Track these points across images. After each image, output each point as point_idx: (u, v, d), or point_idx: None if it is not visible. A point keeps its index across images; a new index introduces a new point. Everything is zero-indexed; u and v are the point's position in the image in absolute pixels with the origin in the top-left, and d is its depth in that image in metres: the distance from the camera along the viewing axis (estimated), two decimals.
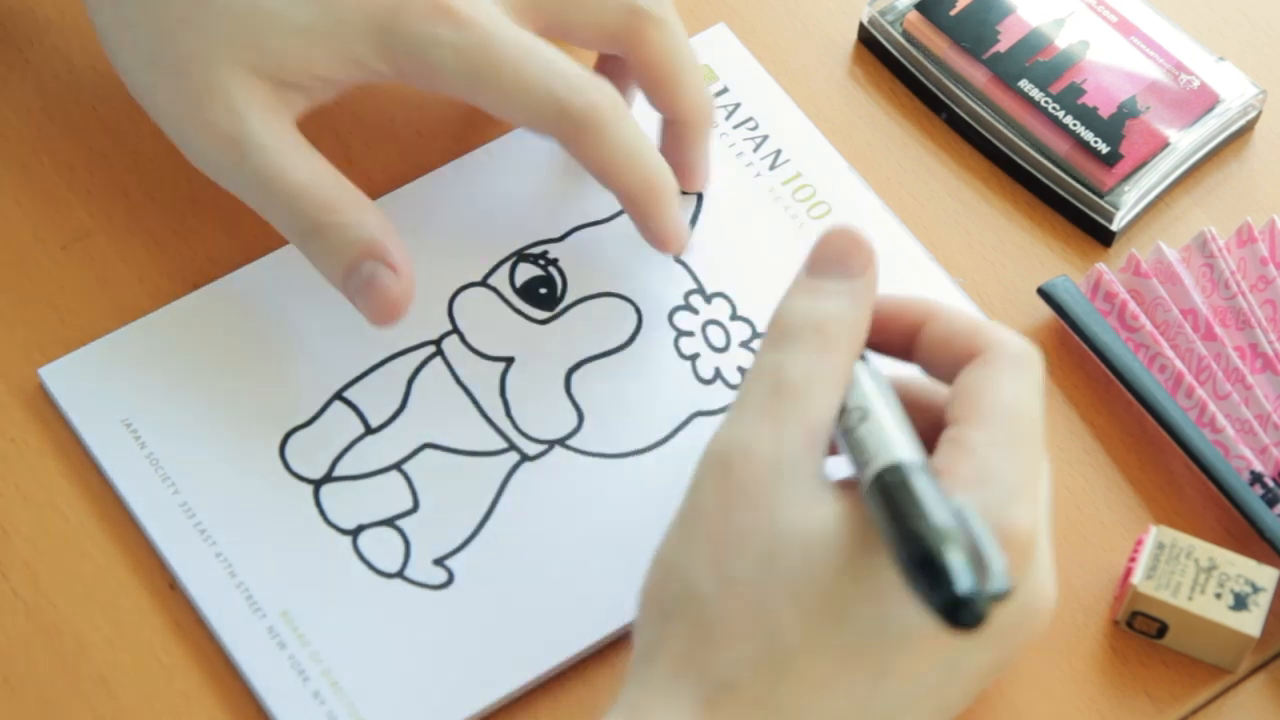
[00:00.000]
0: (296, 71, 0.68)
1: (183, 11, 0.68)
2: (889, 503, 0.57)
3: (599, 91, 0.68)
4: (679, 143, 0.73)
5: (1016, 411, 0.61)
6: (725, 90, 0.78)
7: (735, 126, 0.77)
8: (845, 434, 0.60)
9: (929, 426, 0.62)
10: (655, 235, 0.71)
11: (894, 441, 0.59)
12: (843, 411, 0.61)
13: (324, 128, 0.76)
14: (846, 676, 0.58)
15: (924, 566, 0.55)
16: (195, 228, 0.74)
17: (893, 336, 0.64)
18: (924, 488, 0.57)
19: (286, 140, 0.68)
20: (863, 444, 0.59)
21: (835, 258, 0.64)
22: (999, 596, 0.55)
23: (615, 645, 0.66)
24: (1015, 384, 0.62)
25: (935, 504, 0.57)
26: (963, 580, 0.55)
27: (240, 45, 0.67)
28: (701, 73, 0.72)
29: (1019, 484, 0.59)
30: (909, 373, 0.65)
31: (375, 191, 0.75)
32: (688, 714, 0.58)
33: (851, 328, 0.63)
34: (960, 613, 0.54)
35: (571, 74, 0.68)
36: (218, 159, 0.68)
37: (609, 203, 0.74)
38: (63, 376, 0.70)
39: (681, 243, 0.71)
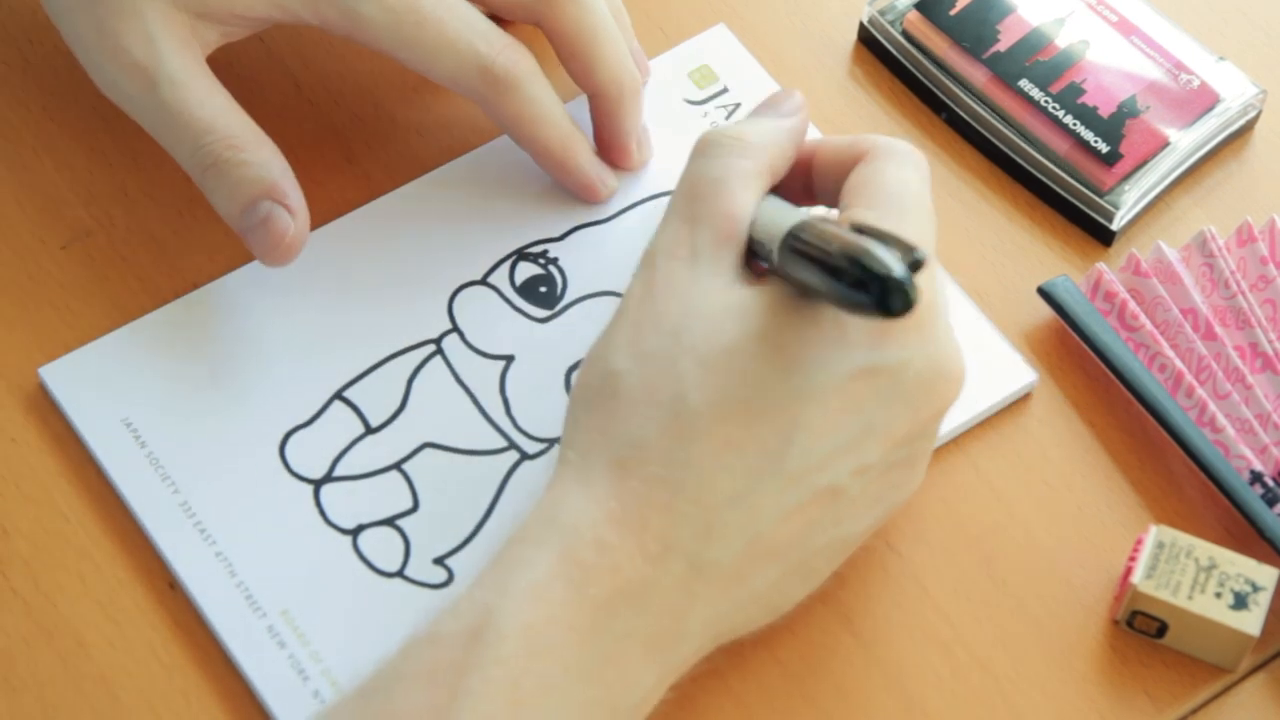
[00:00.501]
0: (217, 7, 0.69)
1: None
2: (801, 245, 0.60)
3: (518, 53, 0.70)
4: (600, 118, 0.74)
5: (902, 190, 0.64)
6: (725, 90, 0.78)
7: None
8: (755, 235, 0.63)
9: None
10: (576, 187, 0.73)
11: (797, 212, 0.63)
12: (754, 223, 0.64)
13: (324, 127, 0.76)
14: (756, 433, 0.60)
15: (849, 270, 0.57)
16: (195, 228, 0.74)
17: (795, 180, 0.68)
18: (830, 225, 0.60)
19: (197, 74, 0.69)
20: (768, 227, 0.63)
21: (768, 104, 0.68)
22: (919, 264, 0.58)
23: None
24: (899, 171, 0.65)
25: (842, 230, 0.60)
26: (893, 265, 0.57)
27: None
28: (622, 47, 0.73)
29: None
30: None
31: (375, 191, 0.75)
32: (600, 479, 0.60)
33: (771, 141, 0.66)
34: (892, 298, 0.57)
35: (493, 36, 0.70)
36: (127, 87, 0.69)
37: (609, 202, 0.74)
38: (63, 376, 0.70)
39: (601, 191, 0.73)
